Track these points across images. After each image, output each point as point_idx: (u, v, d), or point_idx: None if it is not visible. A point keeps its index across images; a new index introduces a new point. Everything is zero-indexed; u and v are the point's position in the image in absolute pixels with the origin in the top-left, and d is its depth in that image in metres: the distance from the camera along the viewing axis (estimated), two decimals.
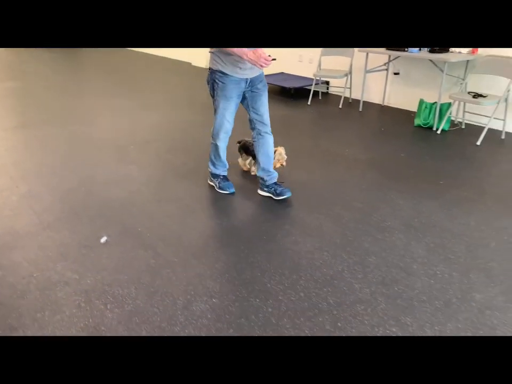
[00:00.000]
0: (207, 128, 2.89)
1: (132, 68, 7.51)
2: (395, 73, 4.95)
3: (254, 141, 2.75)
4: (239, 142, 3.12)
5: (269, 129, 2.71)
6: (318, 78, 5.28)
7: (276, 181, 2.80)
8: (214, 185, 2.90)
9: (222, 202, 2.78)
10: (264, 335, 1.70)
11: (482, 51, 4.15)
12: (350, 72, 5.08)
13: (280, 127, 4.40)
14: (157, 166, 3.32)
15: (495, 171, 3.32)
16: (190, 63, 7.72)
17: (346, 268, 2.12)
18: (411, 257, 2.20)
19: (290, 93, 5.46)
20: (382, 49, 4.56)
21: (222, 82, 2.50)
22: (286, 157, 3.00)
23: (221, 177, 2.87)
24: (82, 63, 8.10)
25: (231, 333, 1.71)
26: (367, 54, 4.65)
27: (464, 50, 4.22)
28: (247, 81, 2.53)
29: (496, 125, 4.02)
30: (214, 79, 2.52)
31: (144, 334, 1.70)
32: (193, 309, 1.84)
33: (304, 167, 3.33)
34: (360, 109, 4.91)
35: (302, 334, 1.70)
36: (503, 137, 3.98)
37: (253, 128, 2.71)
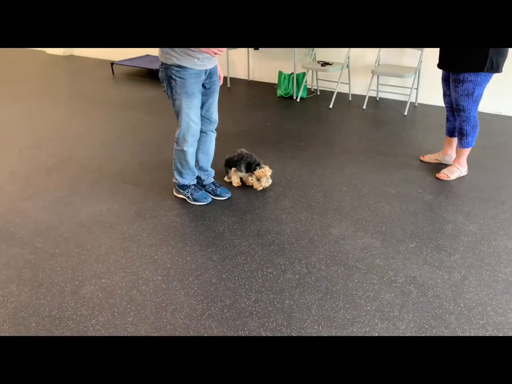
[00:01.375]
0: (73, 119, 2.80)
1: None
2: (255, 49, 5.28)
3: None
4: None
5: (215, 127, 2.53)
6: None
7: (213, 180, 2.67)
8: (185, 197, 2.58)
9: (95, 187, 2.76)
10: (156, 300, 1.83)
11: None
12: None
13: (151, 108, 4.42)
14: (20, 161, 3.11)
15: (344, 128, 3.86)
16: (45, 51, 7.08)
17: (227, 228, 2.34)
18: (280, 210, 2.51)
19: (157, 75, 5.43)
20: None
21: (181, 78, 2.18)
22: (270, 181, 2.73)
23: (192, 187, 2.57)
24: None
25: (123, 306, 1.80)
26: None
27: None
28: (206, 73, 2.26)
29: (344, 89, 4.62)
30: (169, 75, 2.20)
31: (34, 326, 1.70)
32: (82, 292, 1.88)
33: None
34: (228, 85, 5.15)
35: (192, 292, 1.88)
36: (350, 98, 4.60)
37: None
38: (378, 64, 4.32)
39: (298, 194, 2.68)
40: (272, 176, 2.74)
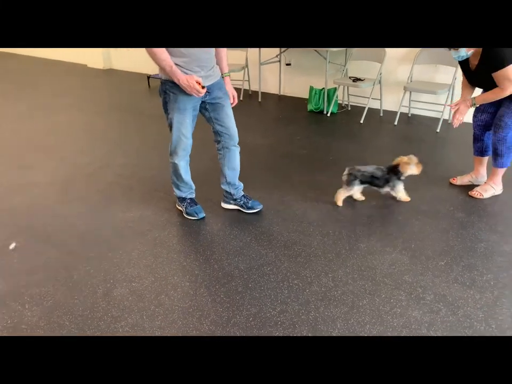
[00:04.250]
0: (110, 129, 2.93)
1: (25, 73, 7.02)
2: (287, 64, 5.36)
3: (218, 154, 2.53)
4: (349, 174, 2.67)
5: (236, 141, 2.49)
6: None
7: (243, 193, 2.67)
8: (182, 210, 2.60)
9: (129, 194, 2.86)
10: (183, 305, 1.87)
11: None
12: (247, 65, 5.38)
13: None
14: (61, 168, 3.28)
15: (375, 143, 3.84)
16: (86, 65, 7.44)
17: (254, 238, 2.37)
18: (308, 222, 2.52)
19: None
20: None
21: (174, 93, 2.18)
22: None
23: (188, 200, 2.56)
24: None
25: (152, 309, 1.85)
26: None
27: None
28: None
29: (375, 105, 4.61)
30: (165, 90, 2.22)
31: (67, 324, 1.77)
32: (113, 294, 1.95)
33: (210, 154, 3.52)
34: (259, 100, 5.24)
35: (218, 299, 1.91)
36: (381, 114, 4.58)
37: (218, 141, 2.47)
38: (411, 81, 4.29)
39: (326, 208, 2.68)
40: (301, 189, 2.75)
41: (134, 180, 3.10)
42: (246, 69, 5.39)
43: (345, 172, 2.66)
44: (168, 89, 2.20)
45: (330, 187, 2.94)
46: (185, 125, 2.29)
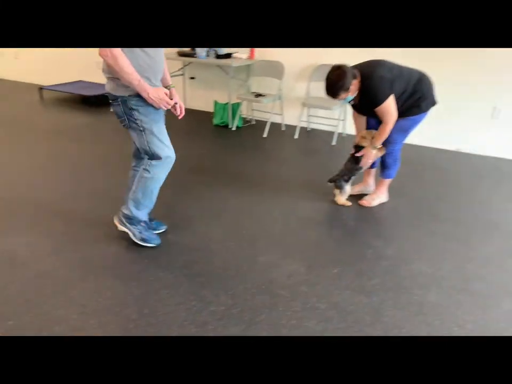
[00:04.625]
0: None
1: None
2: (191, 78, 5.34)
3: (134, 171, 2.38)
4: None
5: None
6: None
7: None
8: (130, 233, 2.34)
9: (11, 218, 2.57)
10: None
11: (258, 56, 4.86)
12: None
13: (85, 135, 4.27)
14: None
15: (277, 156, 3.97)
16: None
17: (152, 261, 2.27)
18: (209, 239, 2.49)
19: (91, 101, 5.29)
20: (175, 56, 4.86)
21: (142, 107, 2.04)
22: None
23: (142, 223, 2.36)
24: None
25: None
26: None
27: (244, 56, 4.85)
28: None
29: (278, 119, 4.78)
30: (130, 107, 2.04)
31: None
32: None
33: (109, 173, 3.33)
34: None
35: (109, 330, 1.77)
36: (283, 128, 4.76)
37: (140, 158, 2.34)
38: (308, 97, 4.54)
39: (228, 222, 2.68)
40: (205, 205, 2.72)
41: (18, 203, 2.80)
42: None
43: (331, 185, 2.96)
44: (134, 104, 2.04)
45: (235, 201, 2.96)
46: (164, 134, 2.19)
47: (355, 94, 2.54)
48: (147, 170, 2.23)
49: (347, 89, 2.46)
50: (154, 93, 1.99)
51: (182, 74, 5.28)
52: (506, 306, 2.00)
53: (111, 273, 2.15)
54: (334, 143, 4.28)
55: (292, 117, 4.80)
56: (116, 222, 2.41)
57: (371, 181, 3.10)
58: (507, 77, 3.82)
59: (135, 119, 2.09)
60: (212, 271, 2.20)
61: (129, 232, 2.36)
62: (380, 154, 2.79)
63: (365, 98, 2.54)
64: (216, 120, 4.79)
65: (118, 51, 1.87)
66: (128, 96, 2.02)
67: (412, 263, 2.32)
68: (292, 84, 4.72)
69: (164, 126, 2.22)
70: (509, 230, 2.70)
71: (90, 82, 5.92)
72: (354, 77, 2.46)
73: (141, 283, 2.08)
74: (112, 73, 1.99)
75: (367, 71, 2.49)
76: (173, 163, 2.29)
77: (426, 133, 4.13)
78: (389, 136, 2.72)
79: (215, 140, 4.40)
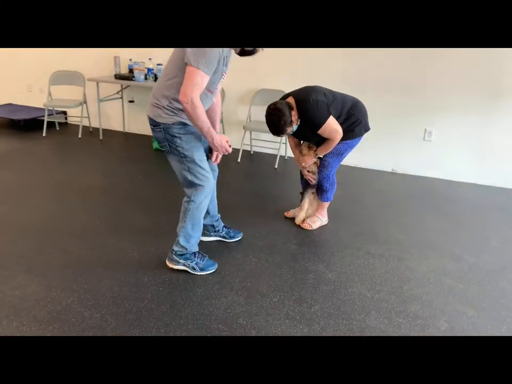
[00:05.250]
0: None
1: None
2: (130, 101, 5.17)
3: None
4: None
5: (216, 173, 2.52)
6: (50, 108, 5.00)
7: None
8: (189, 269, 2.32)
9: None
10: None
11: None
12: (85, 101, 5.00)
13: (12, 162, 3.96)
14: None
15: (219, 181, 3.88)
16: None
17: (77, 299, 2.06)
18: (143, 272, 2.32)
19: (20, 125, 4.96)
20: (112, 79, 4.70)
21: (185, 134, 2.08)
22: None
23: (197, 254, 2.35)
24: None
25: None
26: (97, 83, 4.69)
27: None
28: None
29: None
30: (173, 134, 2.06)
31: None
32: None
33: (36, 201, 3.07)
34: (101, 137, 4.90)
35: None
36: None
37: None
38: (250, 120, 4.54)
39: (165, 253, 2.52)
40: (140, 235, 2.55)
41: None
42: (84, 105, 5.01)
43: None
44: (177, 131, 2.07)
45: (171, 230, 2.81)
46: (205, 160, 2.20)
47: (298, 122, 2.54)
48: (192, 201, 2.20)
49: (290, 123, 2.46)
50: (219, 140, 2.08)
51: (120, 98, 5.11)
52: (442, 327, 2.02)
53: (28, 315, 1.91)
54: (276, 166, 4.28)
55: (236, 140, 4.76)
56: (169, 263, 2.36)
57: (306, 205, 3.09)
58: (437, 99, 4.06)
59: (177, 146, 2.10)
60: (143, 307, 2.03)
61: (187, 269, 2.32)
62: (315, 167, 2.80)
63: (305, 123, 2.54)
64: (155, 144, 4.64)
65: (198, 100, 1.91)
66: (171, 124, 2.06)
67: (352, 286, 2.30)
68: (233, 107, 4.71)
69: (204, 153, 2.23)
70: (443, 248, 2.78)
71: (20, 105, 5.57)
72: (291, 108, 2.47)
73: (62, 325, 1.86)
74: (160, 100, 2.04)
75: (301, 97, 2.51)
76: (212, 186, 2.28)
77: (364, 155, 4.26)
78: (325, 160, 2.74)
79: (153, 165, 4.22)
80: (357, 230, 2.99)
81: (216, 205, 2.62)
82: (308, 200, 2.96)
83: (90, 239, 2.61)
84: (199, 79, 1.89)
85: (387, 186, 3.99)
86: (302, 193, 3.01)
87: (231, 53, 2.09)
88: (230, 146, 2.17)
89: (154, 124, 2.12)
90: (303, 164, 2.78)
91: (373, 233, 2.94)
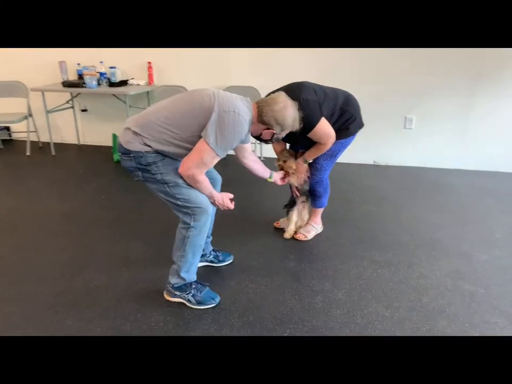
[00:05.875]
0: None
1: None
2: (83, 110, 4.66)
3: None
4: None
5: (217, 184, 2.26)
6: None
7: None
8: (186, 302, 2.01)
9: None
10: None
11: (157, 81, 4.40)
12: (30, 114, 4.44)
13: None
14: None
15: None
16: None
17: None
18: (122, 317, 1.93)
19: None
20: (60, 87, 4.19)
21: (162, 159, 1.80)
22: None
23: (194, 285, 2.02)
24: None
25: None
26: (43, 92, 4.16)
27: (142, 82, 4.36)
28: None
29: None
30: (146, 163, 1.77)
31: None
32: None
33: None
34: (53, 153, 4.37)
35: None
36: None
37: None
38: None
39: (150, 280, 2.15)
40: (109, 264, 2.16)
41: None
42: (30, 118, 4.45)
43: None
44: (153, 158, 1.77)
45: (154, 258, 2.42)
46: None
47: None
48: (192, 227, 1.89)
49: None
50: (220, 199, 1.93)
51: (71, 107, 4.59)
52: None
53: None
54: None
55: None
56: (166, 296, 2.06)
57: (294, 217, 2.78)
58: (415, 84, 3.88)
59: (153, 174, 1.81)
60: None
61: (184, 301, 2.02)
62: (307, 174, 2.50)
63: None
64: (117, 156, 4.18)
65: (201, 177, 1.79)
66: (145, 152, 1.76)
67: (367, 306, 2.03)
68: None
69: None
70: (451, 247, 2.58)
71: None
72: None
73: None
74: (143, 131, 1.75)
75: (290, 97, 2.17)
76: (211, 205, 1.94)
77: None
78: (317, 163, 2.45)
79: (117, 180, 3.75)
80: (356, 234, 2.73)
81: (213, 223, 2.26)
82: (297, 211, 2.66)
83: (54, 283, 2.18)
84: (209, 159, 1.74)
85: (374, 181, 3.77)
86: (287, 206, 2.71)
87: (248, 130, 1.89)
88: (232, 202, 1.99)
89: (124, 151, 1.79)
90: (297, 184, 2.50)
91: (374, 237, 2.69)
